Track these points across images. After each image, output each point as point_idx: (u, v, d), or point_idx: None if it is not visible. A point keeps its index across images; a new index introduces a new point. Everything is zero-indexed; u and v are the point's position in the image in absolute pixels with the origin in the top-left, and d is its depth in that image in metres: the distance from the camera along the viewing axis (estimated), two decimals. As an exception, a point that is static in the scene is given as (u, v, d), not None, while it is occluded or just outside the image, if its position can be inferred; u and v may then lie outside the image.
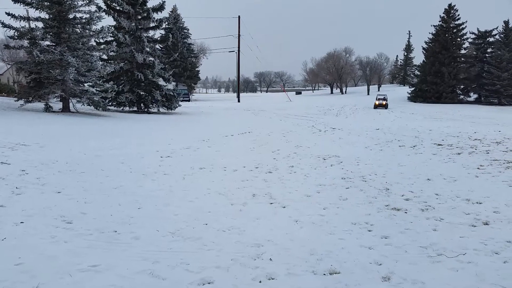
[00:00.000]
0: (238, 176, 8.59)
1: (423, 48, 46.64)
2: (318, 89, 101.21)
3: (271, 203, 6.55)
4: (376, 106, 35.94)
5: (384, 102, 36.07)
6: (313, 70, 78.29)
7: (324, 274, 3.99)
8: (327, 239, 4.97)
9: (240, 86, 54.72)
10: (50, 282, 3.57)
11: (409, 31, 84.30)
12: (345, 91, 66.79)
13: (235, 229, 5.27)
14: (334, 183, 8.01)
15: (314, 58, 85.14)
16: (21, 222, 4.99)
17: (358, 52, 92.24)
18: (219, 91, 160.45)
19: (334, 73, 65.27)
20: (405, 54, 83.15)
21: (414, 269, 4.14)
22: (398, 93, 53.48)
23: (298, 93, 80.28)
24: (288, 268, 4.10)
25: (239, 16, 46.08)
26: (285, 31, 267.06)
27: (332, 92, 69.64)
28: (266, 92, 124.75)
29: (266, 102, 48.11)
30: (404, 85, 72.92)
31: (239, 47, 46.68)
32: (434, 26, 44.92)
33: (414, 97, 45.37)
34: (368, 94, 56.18)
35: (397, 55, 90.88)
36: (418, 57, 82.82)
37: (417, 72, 50.59)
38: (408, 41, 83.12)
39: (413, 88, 46.97)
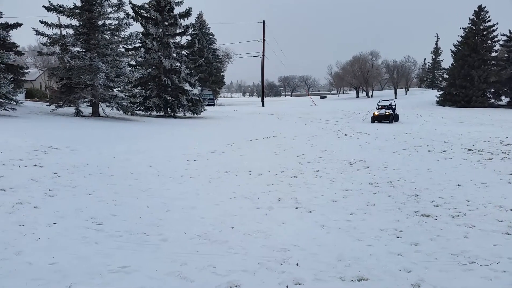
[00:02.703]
0: (263, 180, 8.60)
1: (452, 51, 45.49)
2: (343, 93, 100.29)
3: (296, 208, 6.52)
4: (375, 118, 24.72)
5: (388, 112, 24.53)
6: (339, 73, 77.56)
7: (352, 281, 3.94)
8: (354, 245, 4.91)
9: (265, 90, 54.86)
10: (82, 282, 3.67)
11: (437, 34, 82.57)
12: (372, 95, 65.83)
13: (261, 233, 5.28)
14: (361, 188, 7.90)
15: (340, 61, 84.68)
16: (54, 223, 5.16)
17: (384, 55, 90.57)
18: (244, 95, 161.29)
19: (360, 76, 64.39)
20: (433, 57, 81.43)
21: (445, 277, 4.03)
22: (427, 97, 52.38)
23: (323, 97, 79.72)
24: (315, 273, 4.07)
25: (263, 21, 46.32)
26: (310, 35, 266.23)
27: (358, 96, 68.74)
28: (291, 96, 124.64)
29: (290, 106, 48.03)
30: (432, 89, 71.31)
31: (263, 52, 46.87)
32: (463, 28, 43.77)
33: (443, 101, 44.27)
34: (396, 97, 55.22)
35: (425, 58, 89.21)
36: (447, 60, 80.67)
37: (445, 76, 49.40)
38: (436, 44, 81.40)
39: (441, 92, 45.86)
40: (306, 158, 11.52)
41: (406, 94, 63.88)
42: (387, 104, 27.00)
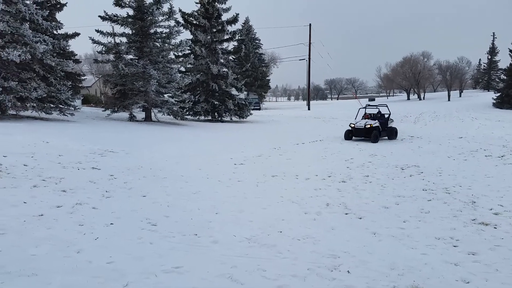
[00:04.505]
0: (310, 184, 8.53)
1: (510, 50, 42.79)
2: (393, 95, 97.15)
3: (346, 214, 6.41)
4: (351, 134, 17.13)
5: (370, 125, 16.60)
6: (388, 75, 75.38)
7: (406, 290, 3.81)
8: (408, 254, 4.74)
9: (310, 93, 54.40)
10: (137, 281, 3.79)
11: (494, 33, 77.88)
12: (423, 97, 63.37)
13: (310, 238, 5.24)
14: (414, 194, 7.63)
15: (389, 63, 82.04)
16: (111, 224, 5.39)
17: (437, 56, 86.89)
18: (289, 99, 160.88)
19: (410, 78, 62.09)
20: (489, 57, 76.94)
21: (508, 290, 3.80)
22: (482, 99, 49.58)
23: (372, 99, 77.71)
24: (367, 281, 3.97)
25: (310, 24, 45.92)
26: (357, 36, 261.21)
27: (409, 98, 66.37)
28: (337, 99, 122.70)
29: (337, 109, 47.20)
30: (488, 91, 67.44)
31: (309, 55, 46.45)
32: (525, 25, 41.06)
33: (500, 103, 41.66)
34: (449, 100, 52.73)
35: (480, 59, 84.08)
36: (504, 60, 75.62)
37: (503, 77, 46.49)
38: (493, 44, 76.84)
39: (498, 94, 43.23)
40: (354, 162, 11.28)
41: (460, 96, 60.85)
42: (376, 110, 18.33)
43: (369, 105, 19.30)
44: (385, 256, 4.66)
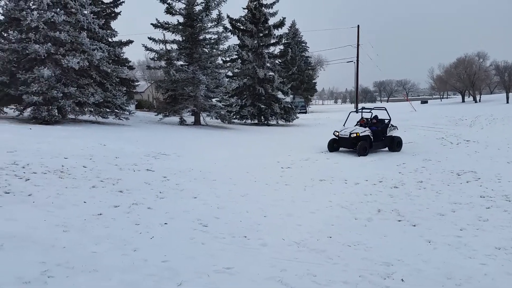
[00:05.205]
0: (360, 189, 8.35)
1: None
2: (447, 98, 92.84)
3: (399, 221, 6.21)
4: (336, 144, 14.26)
5: (357, 133, 13.49)
6: (441, 76, 72.13)
7: (464, 301, 3.64)
8: (466, 263, 4.53)
9: (358, 96, 53.24)
10: (191, 280, 3.90)
11: (562, 28, 72.27)
12: (479, 99, 60.00)
13: (361, 245, 5.13)
14: (472, 201, 7.25)
15: (442, 64, 78.33)
16: (165, 223, 5.57)
17: (493, 56, 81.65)
18: (336, 102, 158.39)
19: (465, 79, 59.04)
20: (556, 55, 71.47)
21: None
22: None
23: (424, 102, 74.68)
24: (423, 290, 3.84)
25: (358, 26, 45.02)
26: (408, 37, 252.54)
27: (463, 101, 63.14)
28: (387, 101, 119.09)
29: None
30: (554, 91, 62.59)
31: (358, 57, 45.53)
32: None
33: None
34: (507, 102, 49.54)
35: (544, 57, 78.55)
36: None
37: None
38: (560, 40, 71.31)
39: None
40: (406, 167, 10.90)
41: (521, 98, 57.03)
42: (371, 115, 15.46)
43: (365, 108, 16.35)
44: (441, 265, 4.48)
